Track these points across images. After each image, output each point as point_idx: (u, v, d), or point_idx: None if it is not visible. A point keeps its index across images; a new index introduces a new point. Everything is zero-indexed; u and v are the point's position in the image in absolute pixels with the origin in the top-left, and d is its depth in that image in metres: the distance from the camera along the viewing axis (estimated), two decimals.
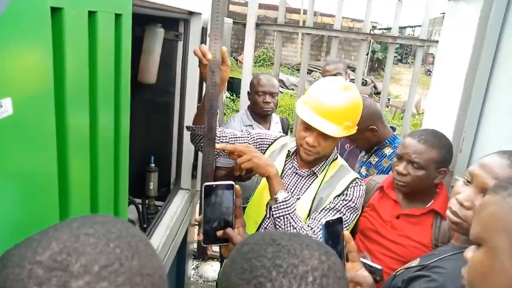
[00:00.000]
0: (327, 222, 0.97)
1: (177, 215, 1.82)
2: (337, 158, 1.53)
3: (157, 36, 1.71)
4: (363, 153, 2.17)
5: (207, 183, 1.07)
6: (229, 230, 1.09)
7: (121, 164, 1.00)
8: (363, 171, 2.10)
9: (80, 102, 0.75)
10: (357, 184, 1.43)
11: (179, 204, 1.91)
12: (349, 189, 1.41)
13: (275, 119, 2.56)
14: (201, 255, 1.58)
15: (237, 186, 1.10)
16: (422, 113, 9.92)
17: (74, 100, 0.71)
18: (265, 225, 1.52)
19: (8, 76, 0.53)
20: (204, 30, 1.84)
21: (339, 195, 1.41)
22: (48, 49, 0.62)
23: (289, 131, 2.85)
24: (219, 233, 1.10)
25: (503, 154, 1.00)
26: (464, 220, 1.03)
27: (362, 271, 0.99)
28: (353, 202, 1.40)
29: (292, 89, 10.85)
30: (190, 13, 1.76)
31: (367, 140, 2.04)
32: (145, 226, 1.80)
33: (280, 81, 8.97)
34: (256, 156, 1.37)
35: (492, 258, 0.63)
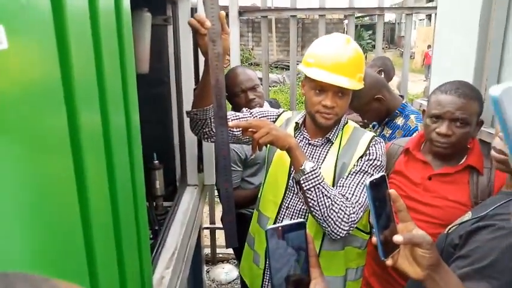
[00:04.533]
0: (371, 182, 0.83)
1: (190, 212, 1.68)
2: (347, 121, 1.47)
3: (145, 22, 1.58)
4: (376, 127, 2.09)
5: (270, 227, 0.75)
6: None
7: (136, 164, 0.86)
8: None
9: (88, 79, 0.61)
10: (376, 142, 1.39)
11: (189, 202, 1.78)
12: (370, 148, 1.36)
13: (267, 106, 2.35)
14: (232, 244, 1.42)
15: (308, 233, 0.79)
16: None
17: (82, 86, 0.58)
18: (286, 204, 1.43)
19: None
20: (193, 11, 1.72)
21: (362, 156, 1.35)
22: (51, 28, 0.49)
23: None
24: None
25: None
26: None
27: (417, 230, 0.87)
28: (378, 160, 1.35)
29: (274, 86, 10.80)
30: None
31: (376, 111, 1.96)
32: (156, 228, 1.66)
33: (260, 79, 8.82)
34: (274, 128, 1.27)
35: None
